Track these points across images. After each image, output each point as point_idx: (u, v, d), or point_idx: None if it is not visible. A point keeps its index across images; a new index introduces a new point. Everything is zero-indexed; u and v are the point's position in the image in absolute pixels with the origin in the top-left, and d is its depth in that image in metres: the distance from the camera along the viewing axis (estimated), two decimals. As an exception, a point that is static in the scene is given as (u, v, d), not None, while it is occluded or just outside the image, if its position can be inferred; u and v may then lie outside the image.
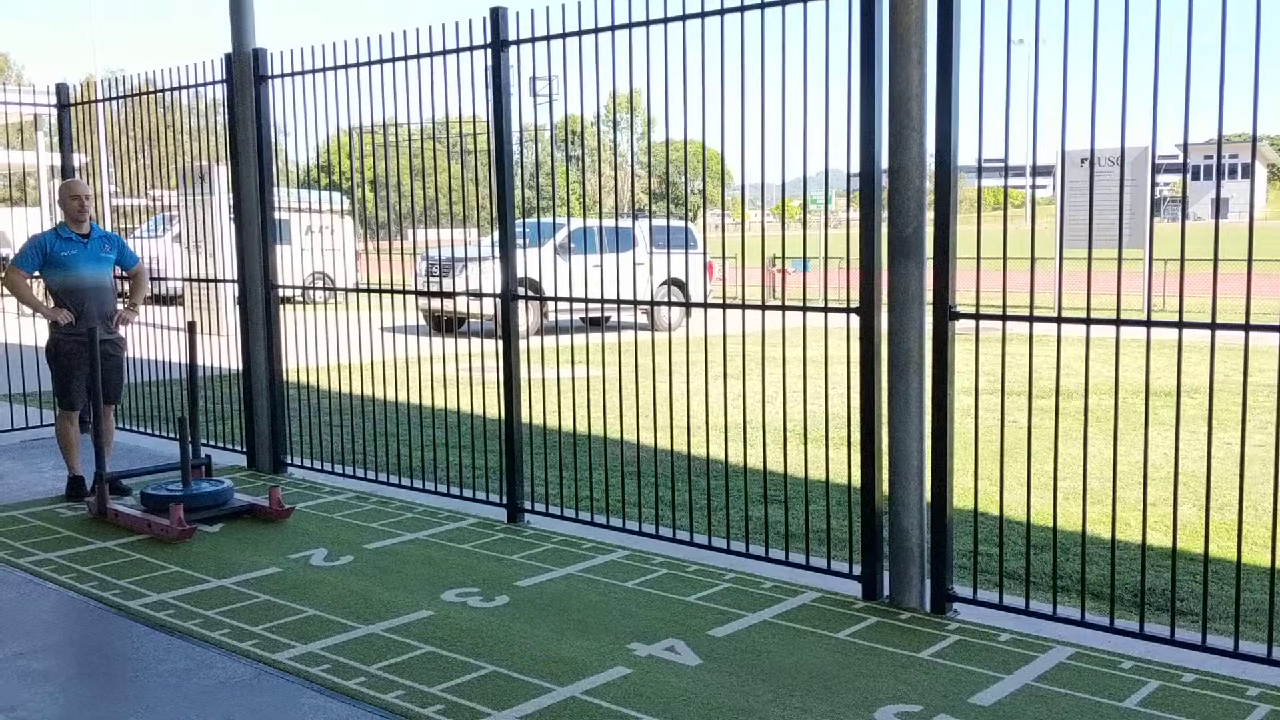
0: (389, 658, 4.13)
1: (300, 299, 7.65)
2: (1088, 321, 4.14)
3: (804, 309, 4.99)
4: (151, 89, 7.88)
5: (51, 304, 6.63)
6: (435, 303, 13.82)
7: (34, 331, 10.54)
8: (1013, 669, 3.96)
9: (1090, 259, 4.20)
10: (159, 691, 3.90)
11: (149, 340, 8.27)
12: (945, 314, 4.42)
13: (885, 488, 4.68)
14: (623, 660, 4.09)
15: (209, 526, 6.00)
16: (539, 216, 10.70)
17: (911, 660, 4.07)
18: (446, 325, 11.01)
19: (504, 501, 6.13)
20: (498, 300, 6.05)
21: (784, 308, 5.09)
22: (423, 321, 15.42)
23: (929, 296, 4.47)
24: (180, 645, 4.32)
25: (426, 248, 7.99)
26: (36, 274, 6.59)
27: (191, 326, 6.55)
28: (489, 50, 5.80)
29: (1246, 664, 3.93)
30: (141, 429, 8.57)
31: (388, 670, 4.01)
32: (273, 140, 7.16)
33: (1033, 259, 4.43)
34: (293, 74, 6.88)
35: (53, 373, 6.66)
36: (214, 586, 5.00)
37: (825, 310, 4.84)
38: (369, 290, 7.04)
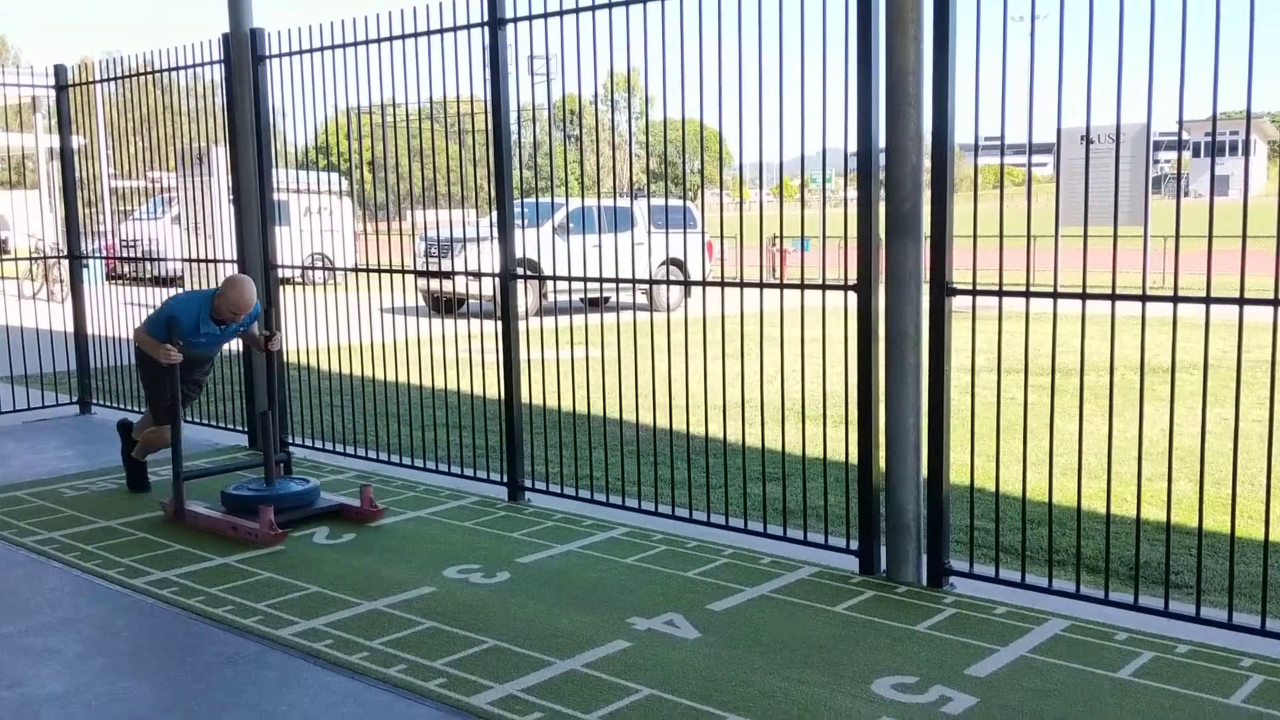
0: (391, 633, 4.18)
1: (300, 280, 7.67)
2: (1083, 297, 4.16)
3: (802, 287, 5.01)
4: (149, 70, 7.87)
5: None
6: (434, 283, 13.83)
7: (34, 314, 10.57)
8: (1008, 641, 4.01)
9: (1085, 236, 4.22)
10: (163, 667, 3.95)
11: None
12: (942, 291, 4.45)
13: (883, 464, 4.71)
14: (622, 634, 4.14)
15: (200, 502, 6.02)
16: (538, 196, 10.71)
17: (908, 633, 4.11)
18: (446, 306, 11.03)
19: (505, 480, 6.16)
20: (497, 280, 6.07)
21: (782, 286, 5.11)
22: (422, 302, 15.44)
23: (926, 274, 4.49)
24: (184, 621, 4.36)
25: (425, 228, 8.00)
26: None
27: (267, 314, 6.09)
28: (486, 28, 5.81)
29: (1240, 635, 3.98)
30: (145, 410, 8.60)
31: (390, 645, 4.06)
32: (271, 121, 7.16)
33: (1029, 236, 4.45)
34: (290, 54, 6.87)
35: (145, 382, 6.26)
36: (217, 564, 5.04)
37: (823, 288, 4.86)
38: (368, 271, 7.06)
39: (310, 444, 7.37)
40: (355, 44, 6.44)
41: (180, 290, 6.04)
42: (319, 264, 8.80)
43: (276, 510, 5.45)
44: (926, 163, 4.46)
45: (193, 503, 5.74)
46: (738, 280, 5.26)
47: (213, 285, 12.03)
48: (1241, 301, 3.83)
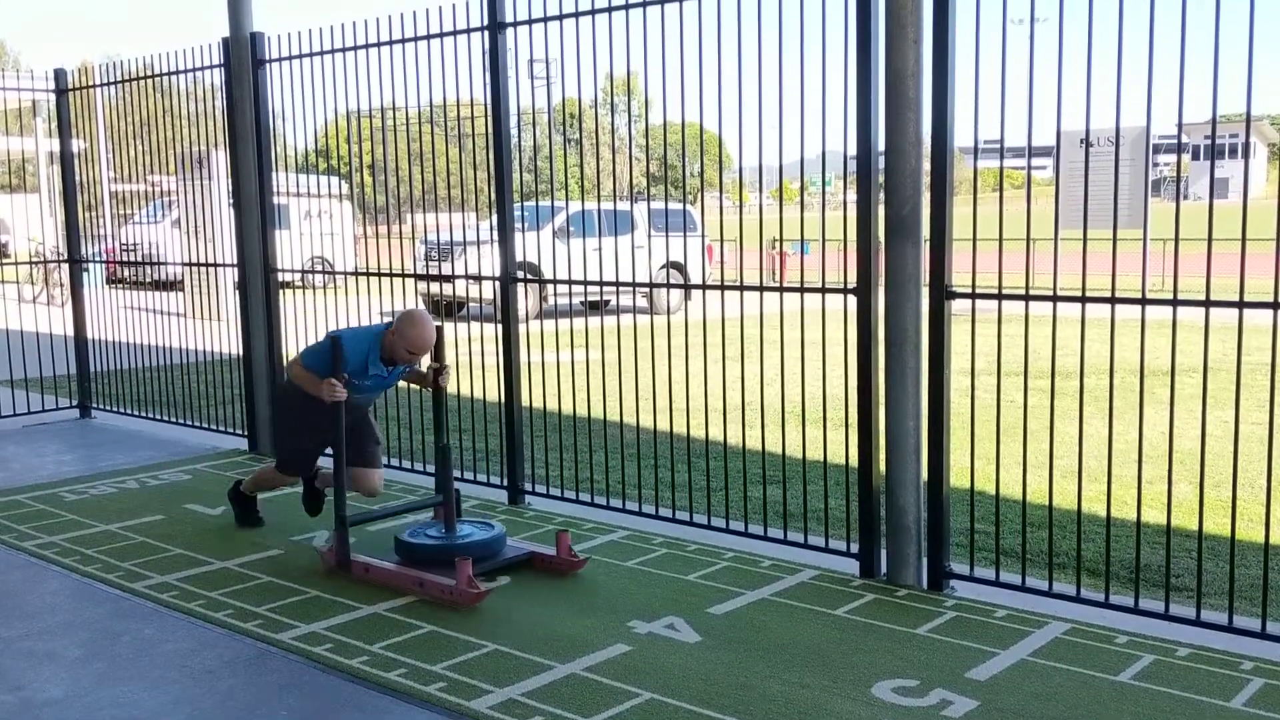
0: (391, 637, 4.17)
1: (300, 283, 7.67)
2: (1083, 300, 4.16)
3: (802, 290, 5.01)
4: (149, 74, 7.88)
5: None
6: (435, 286, 13.82)
7: (35, 318, 10.57)
8: (1009, 644, 4.00)
9: (1085, 239, 4.22)
10: (163, 670, 3.94)
11: (150, 325, 8.30)
12: (942, 294, 4.45)
13: (883, 467, 4.71)
14: (623, 638, 4.13)
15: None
16: (538, 200, 10.72)
17: (908, 636, 4.11)
18: (446, 309, 11.04)
19: (505, 483, 6.16)
20: (497, 284, 6.07)
21: (782, 289, 5.11)
22: (422, 305, 15.43)
23: (926, 277, 4.49)
24: (184, 625, 4.36)
25: (425, 232, 8.00)
26: None
27: (439, 329, 5.20)
28: (486, 32, 5.81)
29: (1240, 638, 3.98)
30: (154, 415, 8.59)
31: (390, 649, 4.05)
32: (271, 125, 7.17)
33: (1029, 239, 4.45)
34: (290, 58, 6.88)
35: (278, 425, 5.59)
36: (217, 568, 5.04)
37: (823, 291, 4.86)
38: (369, 274, 7.06)
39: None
40: (355, 48, 6.45)
41: (346, 327, 5.09)
42: (319, 267, 8.80)
43: (451, 560, 4.62)
44: (926, 165, 4.46)
45: (360, 553, 4.94)
46: (737, 283, 5.26)
47: (214, 289, 11.92)
48: (1241, 305, 3.83)
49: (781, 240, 9.81)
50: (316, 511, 5.63)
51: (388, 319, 5.17)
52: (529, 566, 4.94)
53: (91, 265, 9.37)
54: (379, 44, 6.31)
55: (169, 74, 7.69)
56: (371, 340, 5.08)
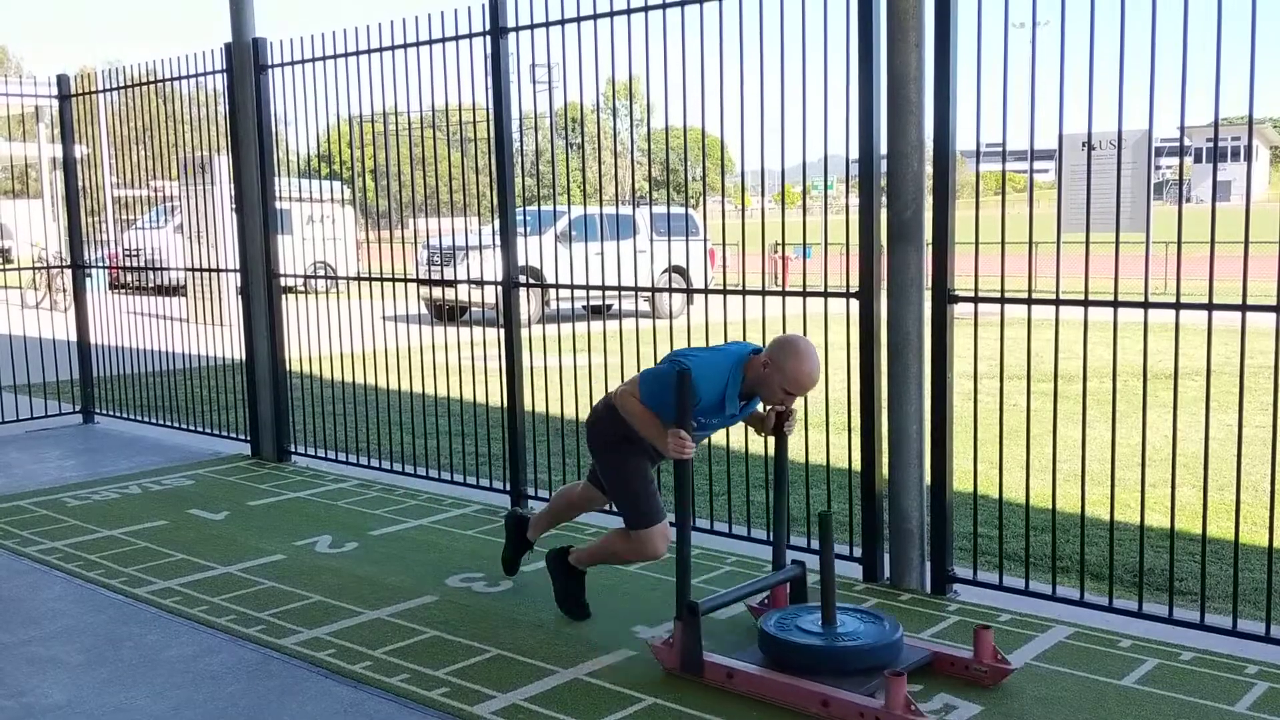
0: (394, 642, 4.17)
1: (302, 288, 7.68)
2: (1085, 304, 4.16)
3: (804, 294, 5.01)
4: (152, 79, 7.89)
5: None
6: (437, 291, 13.84)
7: (38, 323, 10.58)
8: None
9: (1088, 242, 4.21)
10: (166, 676, 3.94)
11: (152, 330, 8.30)
12: (944, 297, 4.44)
13: (885, 471, 4.71)
14: (626, 643, 4.13)
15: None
16: (539, 204, 10.72)
17: (912, 641, 4.09)
18: (448, 314, 11.04)
19: (507, 488, 6.16)
20: (499, 288, 6.07)
21: (784, 293, 5.11)
22: (424, 310, 15.46)
23: (928, 280, 4.49)
24: (187, 631, 4.36)
25: (428, 236, 8.02)
26: None
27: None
28: (488, 37, 5.82)
29: (1244, 642, 3.97)
30: (157, 420, 8.60)
31: (393, 654, 4.05)
32: (273, 129, 7.17)
33: (1030, 242, 4.45)
34: (293, 63, 6.89)
35: (612, 470, 4.19)
36: (220, 573, 5.04)
37: (825, 295, 4.86)
38: (370, 279, 7.06)
39: (312, 453, 7.37)
40: (357, 53, 6.46)
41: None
42: (321, 272, 8.81)
43: (840, 667, 3.61)
44: (928, 169, 4.46)
45: (722, 655, 3.82)
46: (740, 287, 5.26)
47: (216, 294, 11.86)
48: (1244, 308, 3.83)
49: (784, 244, 9.81)
50: (514, 569, 4.83)
51: (737, 340, 4.22)
52: (930, 671, 3.74)
53: (94, 270, 9.38)
54: (381, 49, 6.32)
55: (171, 79, 7.71)
56: (731, 369, 3.91)
